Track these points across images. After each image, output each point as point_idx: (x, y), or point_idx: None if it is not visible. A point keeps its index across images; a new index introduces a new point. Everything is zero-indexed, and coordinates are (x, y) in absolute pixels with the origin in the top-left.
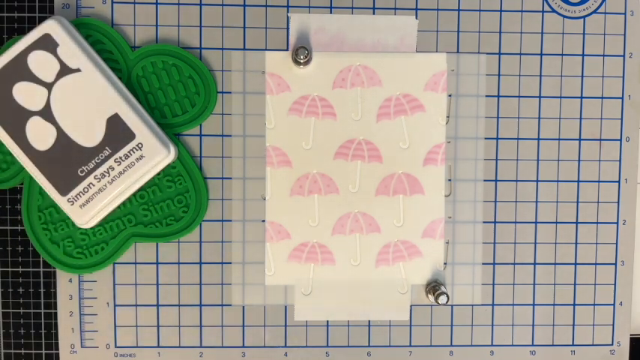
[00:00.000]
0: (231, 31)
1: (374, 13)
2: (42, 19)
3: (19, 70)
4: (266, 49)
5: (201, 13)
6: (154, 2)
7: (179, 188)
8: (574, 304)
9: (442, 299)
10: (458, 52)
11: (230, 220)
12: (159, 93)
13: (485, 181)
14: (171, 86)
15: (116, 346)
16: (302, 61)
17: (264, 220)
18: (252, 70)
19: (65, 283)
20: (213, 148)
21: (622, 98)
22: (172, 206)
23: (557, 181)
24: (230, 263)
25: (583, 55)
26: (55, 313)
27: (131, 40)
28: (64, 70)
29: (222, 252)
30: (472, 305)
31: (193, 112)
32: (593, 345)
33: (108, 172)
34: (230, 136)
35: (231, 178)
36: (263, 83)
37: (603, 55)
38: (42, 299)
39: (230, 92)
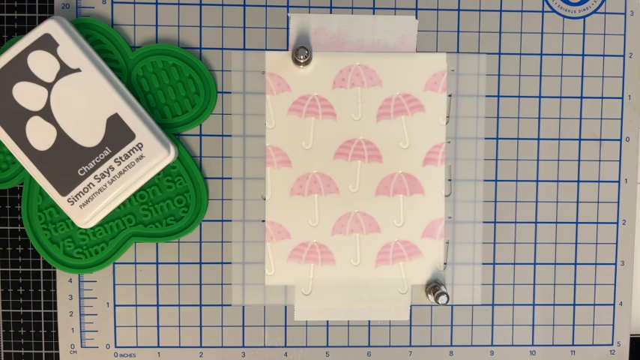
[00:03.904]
0: (231, 31)
1: (374, 13)
2: (42, 19)
3: (19, 70)
4: (266, 49)
5: (201, 13)
6: (154, 2)
7: (179, 188)
8: (574, 304)
9: (442, 299)
10: (458, 52)
11: (230, 220)
12: (159, 93)
13: (485, 181)
14: (171, 86)
15: (116, 346)
16: (302, 61)
17: (264, 220)
18: (252, 70)
19: (65, 283)
20: (213, 148)
21: (622, 98)
22: (172, 206)
23: (557, 181)
24: (230, 263)
25: (583, 55)
26: (55, 313)
27: (131, 40)
28: (64, 70)
29: (222, 252)
30: (472, 305)
31: (193, 112)
32: (593, 345)
33: (108, 172)
34: (230, 136)
35: (231, 178)
36: (263, 83)
37: (603, 55)
38: (42, 299)
39: (230, 92)
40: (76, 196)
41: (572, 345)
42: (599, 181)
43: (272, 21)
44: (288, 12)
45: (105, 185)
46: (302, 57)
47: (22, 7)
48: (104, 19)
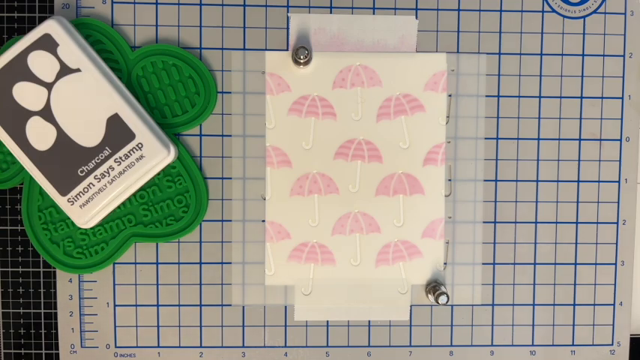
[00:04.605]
0: (231, 31)
1: (374, 13)
2: (42, 19)
3: (19, 70)
4: (266, 49)
5: (201, 13)
6: (154, 2)
7: (179, 188)
8: (574, 304)
9: (442, 299)
10: (458, 52)
11: (230, 220)
12: (159, 93)
13: (485, 181)
14: (171, 86)
15: (116, 346)
16: (302, 61)
17: (264, 220)
18: (252, 70)
19: (65, 283)
20: (213, 148)
21: (622, 98)
22: (172, 206)
23: (557, 181)
24: (230, 263)
25: (583, 55)
26: (55, 313)
27: (131, 40)
28: (64, 70)
29: (222, 252)
30: (472, 305)
31: (193, 112)
32: (593, 345)
33: (108, 172)
34: (230, 136)
35: (231, 178)
36: (263, 83)
37: (603, 55)
38: (42, 299)
39: (230, 92)
40: (76, 196)
41: (572, 345)
42: (599, 181)
43: (272, 21)
44: (288, 12)
45: (105, 185)
46: (302, 57)
47: (22, 7)
48: (104, 19)
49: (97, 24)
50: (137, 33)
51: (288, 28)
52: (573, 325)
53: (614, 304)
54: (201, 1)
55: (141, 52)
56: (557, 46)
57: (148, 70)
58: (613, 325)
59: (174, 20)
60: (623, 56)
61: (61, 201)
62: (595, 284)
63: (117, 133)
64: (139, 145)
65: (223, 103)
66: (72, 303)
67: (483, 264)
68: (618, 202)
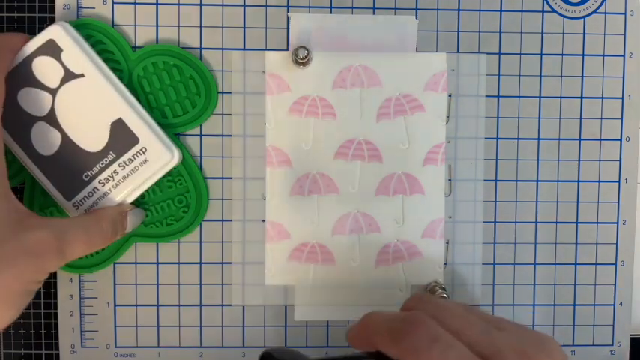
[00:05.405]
0: (231, 31)
1: (374, 13)
2: (42, 20)
3: (24, 75)
4: (266, 49)
5: (201, 13)
6: (155, 2)
7: (179, 188)
8: (574, 304)
9: None
10: (458, 52)
11: (230, 220)
12: (160, 93)
13: (485, 181)
14: (172, 87)
15: (116, 346)
16: (302, 61)
17: (264, 220)
18: (252, 70)
19: (65, 283)
20: (214, 148)
21: (622, 98)
22: (172, 206)
23: (557, 181)
24: (230, 263)
25: (583, 55)
26: (55, 313)
27: (132, 40)
28: (69, 76)
29: (222, 252)
30: (472, 305)
31: (194, 113)
32: (593, 345)
33: (112, 177)
34: (230, 136)
35: (231, 178)
36: (263, 83)
37: (603, 55)
38: (42, 299)
39: (230, 92)
40: (81, 201)
41: (572, 345)
42: (599, 181)
43: (272, 21)
44: (288, 12)
45: (109, 190)
46: (302, 57)
47: (22, 7)
48: (105, 20)
49: (97, 24)
50: (138, 33)
51: (288, 28)
52: (573, 325)
53: (614, 304)
54: (201, 1)
55: (142, 52)
56: (557, 46)
57: (149, 70)
58: (613, 325)
59: (175, 20)
60: (623, 56)
61: (66, 206)
62: (595, 284)
63: (121, 138)
64: (143, 150)
65: (223, 103)
66: (72, 303)
67: (483, 264)
68: (618, 202)
